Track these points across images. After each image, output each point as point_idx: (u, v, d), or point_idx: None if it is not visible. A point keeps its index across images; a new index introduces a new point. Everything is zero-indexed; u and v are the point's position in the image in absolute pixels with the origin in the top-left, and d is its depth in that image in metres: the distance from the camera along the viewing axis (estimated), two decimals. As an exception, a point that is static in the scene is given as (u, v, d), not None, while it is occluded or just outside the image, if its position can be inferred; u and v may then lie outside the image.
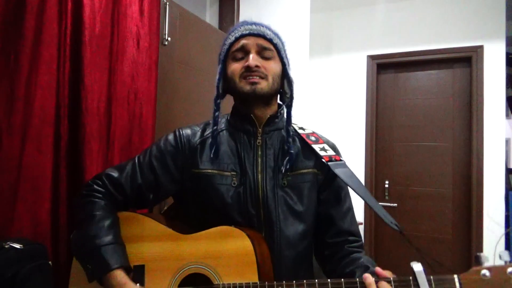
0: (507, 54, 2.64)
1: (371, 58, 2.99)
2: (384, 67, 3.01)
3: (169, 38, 1.81)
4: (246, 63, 0.85)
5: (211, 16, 2.68)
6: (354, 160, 2.94)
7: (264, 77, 0.86)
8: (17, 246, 0.97)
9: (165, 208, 1.07)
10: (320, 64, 3.13)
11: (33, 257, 0.99)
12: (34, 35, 1.16)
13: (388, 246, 2.94)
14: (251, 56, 0.86)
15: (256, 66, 0.85)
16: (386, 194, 2.97)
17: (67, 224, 1.26)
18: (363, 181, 2.93)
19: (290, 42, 2.83)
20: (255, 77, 0.85)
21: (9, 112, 1.11)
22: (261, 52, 0.88)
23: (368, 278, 0.70)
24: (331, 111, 3.11)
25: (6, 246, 0.95)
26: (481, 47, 2.66)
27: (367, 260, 0.86)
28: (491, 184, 2.60)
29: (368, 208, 2.91)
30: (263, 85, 0.86)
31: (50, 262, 1.06)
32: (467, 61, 2.75)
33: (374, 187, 2.97)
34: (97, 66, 1.34)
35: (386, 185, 2.97)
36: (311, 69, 2.96)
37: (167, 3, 1.80)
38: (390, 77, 3.04)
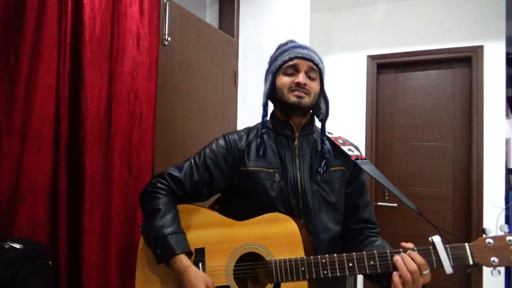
0: (507, 54, 2.63)
1: (371, 58, 2.99)
2: (384, 67, 3.01)
3: (169, 38, 1.81)
4: (297, 80, 1.03)
5: (211, 16, 2.67)
6: (354, 160, 2.93)
7: (308, 93, 1.04)
8: (17, 246, 0.97)
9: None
10: (320, 64, 3.13)
11: (33, 257, 0.99)
12: (34, 35, 1.16)
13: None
14: (300, 75, 1.03)
15: (304, 83, 1.03)
16: (386, 194, 2.97)
17: (67, 224, 1.26)
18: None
19: (290, 42, 2.76)
20: (301, 92, 1.03)
21: (9, 112, 1.11)
22: (308, 73, 1.05)
23: (401, 255, 0.85)
24: (331, 111, 3.10)
25: (6, 246, 0.96)
26: (481, 47, 2.66)
27: (382, 241, 1.04)
28: (491, 184, 2.60)
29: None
30: (306, 100, 1.04)
31: (50, 262, 1.06)
32: (467, 61, 2.75)
33: (374, 187, 2.97)
34: (97, 66, 1.34)
35: (386, 185, 2.97)
36: (311, 69, 2.95)
37: (167, 3, 1.80)
38: (390, 77, 3.04)
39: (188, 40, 2.00)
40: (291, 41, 1.13)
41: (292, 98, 1.03)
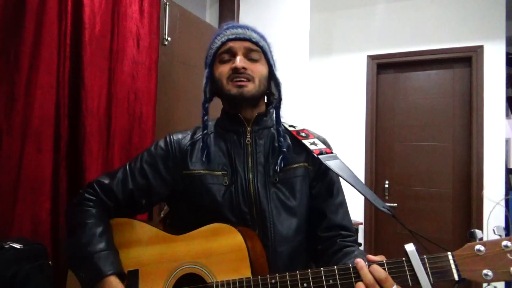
0: (507, 54, 2.64)
1: (371, 58, 2.99)
2: (384, 67, 3.01)
3: (169, 38, 1.81)
4: (234, 65, 0.86)
5: (211, 16, 2.68)
6: (354, 160, 2.94)
7: (250, 79, 0.87)
8: (17, 246, 0.97)
9: (162, 216, 1.07)
10: (320, 64, 3.13)
11: (33, 257, 0.99)
12: (34, 35, 1.15)
13: (387, 247, 2.94)
14: (238, 58, 0.87)
15: (243, 68, 0.86)
16: (386, 194, 2.97)
17: (67, 224, 1.26)
18: (363, 181, 2.93)
19: (290, 42, 2.81)
20: (242, 79, 0.86)
21: (9, 112, 1.10)
22: (248, 55, 0.89)
23: (360, 262, 0.69)
24: (331, 111, 3.11)
25: (6, 246, 0.95)
26: (481, 47, 2.66)
27: (360, 253, 0.85)
28: (491, 184, 2.60)
29: (368, 209, 2.91)
30: (250, 88, 0.87)
31: (50, 262, 1.06)
32: (467, 61, 2.75)
33: (374, 187, 2.97)
34: (97, 66, 1.34)
35: (386, 185, 2.97)
36: (311, 69, 2.96)
37: (167, 3, 1.80)
38: (390, 77, 3.04)
39: (188, 40, 2.00)
40: (227, 23, 0.95)
41: (232, 89, 0.86)
